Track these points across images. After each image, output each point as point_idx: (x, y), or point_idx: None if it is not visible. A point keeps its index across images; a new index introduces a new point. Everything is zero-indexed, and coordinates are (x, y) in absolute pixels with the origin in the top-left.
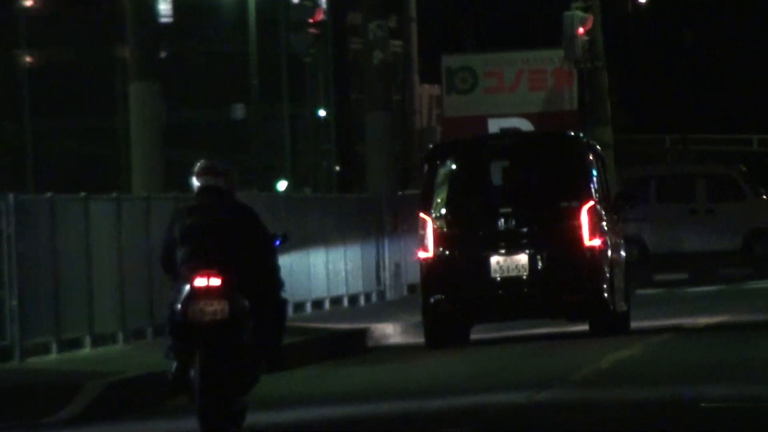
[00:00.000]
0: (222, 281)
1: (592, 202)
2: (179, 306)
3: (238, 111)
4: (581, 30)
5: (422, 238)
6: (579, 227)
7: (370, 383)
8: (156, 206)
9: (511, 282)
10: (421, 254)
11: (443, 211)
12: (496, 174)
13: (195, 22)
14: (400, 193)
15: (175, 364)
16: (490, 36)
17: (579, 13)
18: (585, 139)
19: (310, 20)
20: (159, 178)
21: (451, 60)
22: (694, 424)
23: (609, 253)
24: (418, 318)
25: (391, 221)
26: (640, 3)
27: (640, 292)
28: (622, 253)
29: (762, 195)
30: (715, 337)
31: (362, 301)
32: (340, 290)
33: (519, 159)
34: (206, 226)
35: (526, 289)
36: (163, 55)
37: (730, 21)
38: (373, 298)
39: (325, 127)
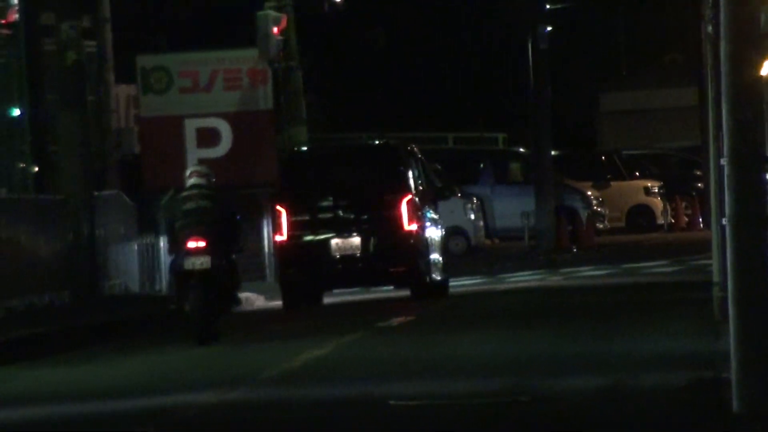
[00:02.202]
0: (206, 244)
1: (410, 196)
2: (179, 260)
3: None
4: (276, 30)
5: (278, 225)
6: (399, 215)
7: (66, 383)
8: None
9: (347, 259)
10: (277, 237)
11: (294, 203)
12: (337, 175)
13: None
14: (96, 193)
15: (175, 302)
16: (185, 36)
17: (272, 13)
18: (407, 147)
19: (2, 21)
20: None
21: (145, 60)
22: (381, 422)
23: (425, 235)
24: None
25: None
26: (336, 2)
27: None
28: (439, 235)
29: (457, 193)
30: (406, 334)
31: (46, 300)
32: (36, 291)
33: (354, 163)
34: (195, 209)
35: (359, 264)
36: None
37: (422, 22)
38: (66, 299)
39: (20, 127)
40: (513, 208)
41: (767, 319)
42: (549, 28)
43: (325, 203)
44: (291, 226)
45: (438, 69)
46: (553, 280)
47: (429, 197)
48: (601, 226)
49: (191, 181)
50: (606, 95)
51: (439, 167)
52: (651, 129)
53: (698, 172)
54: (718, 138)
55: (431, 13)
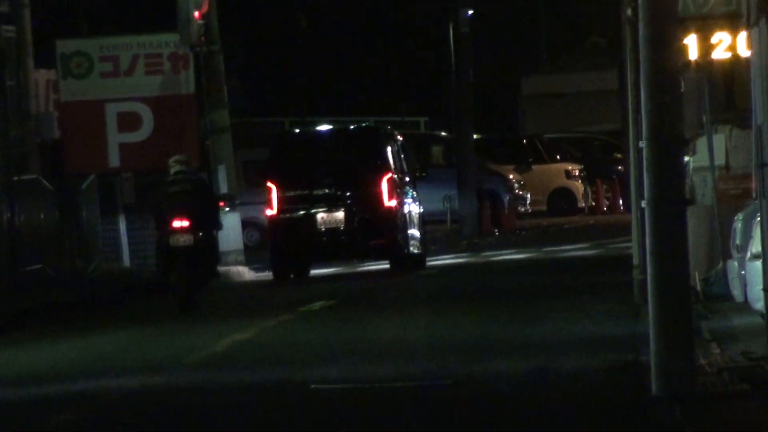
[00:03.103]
0: (189, 223)
1: (390, 174)
2: (164, 238)
3: None
4: (197, 14)
5: (269, 200)
6: (380, 192)
7: None
8: None
9: (332, 232)
10: (268, 212)
11: (283, 180)
12: (323, 155)
13: None
14: (16, 178)
15: (159, 274)
16: (105, 20)
17: None
18: (387, 131)
19: None
20: None
21: (65, 45)
22: (301, 406)
23: (404, 210)
24: None
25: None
26: None
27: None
28: (417, 211)
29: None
30: (329, 317)
31: None
32: None
33: (339, 144)
34: (179, 192)
35: (343, 237)
36: None
37: (343, 4)
38: None
39: None
40: (435, 192)
41: (686, 302)
42: (470, 12)
43: (312, 180)
44: (280, 201)
45: (359, 52)
46: (475, 263)
47: (407, 177)
48: (522, 209)
49: (175, 168)
50: (527, 79)
51: None
52: (572, 113)
53: (619, 156)
54: (637, 121)
55: None
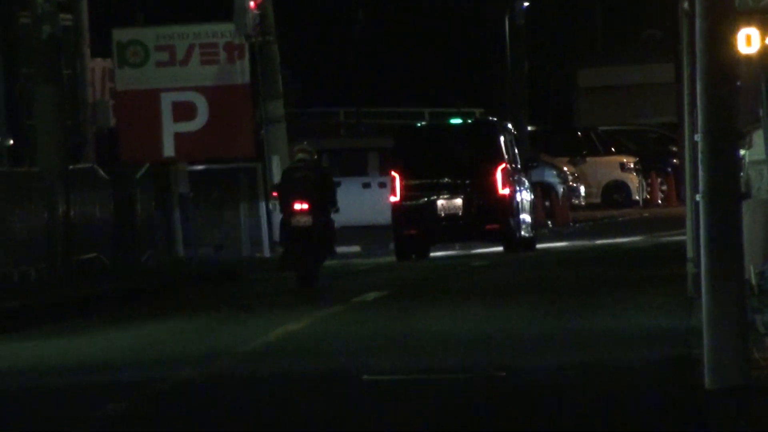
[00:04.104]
0: (308, 206)
1: (504, 164)
2: (287, 218)
3: None
4: (252, 4)
5: (393, 188)
6: (495, 181)
7: (43, 357)
8: None
9: (451, 217)
10: (392, 198)
11: (406, 170)
12: (443, 146)
13: None
14: (71, 167)
15: (282, 251)
16: (161, 9)
17: None
18: (501, 123)
19: None
20: None
21: (121, 34)
22: (355, 397)
23: (516, 198)
24: None
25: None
26: None
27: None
28: (528, 199)
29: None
30: (382, 308)
31: (22, 273)
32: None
33: (458, 137)
34: (300, 178)
35: (461, 222)
36: None
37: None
38: (42, 272)
39: None
40: None
41: (739, 296)
42: (526, 4)
43: (433, 170)
44: (403, 189)
45: (415, 44)
46: (528, 255)
47: (520, 166)
48: (576, 201)
49: (298, 156)
50: (583, 71)
51: None
52: (628, 105)
53: (674, 148)
54: (693, 114)
55: None
